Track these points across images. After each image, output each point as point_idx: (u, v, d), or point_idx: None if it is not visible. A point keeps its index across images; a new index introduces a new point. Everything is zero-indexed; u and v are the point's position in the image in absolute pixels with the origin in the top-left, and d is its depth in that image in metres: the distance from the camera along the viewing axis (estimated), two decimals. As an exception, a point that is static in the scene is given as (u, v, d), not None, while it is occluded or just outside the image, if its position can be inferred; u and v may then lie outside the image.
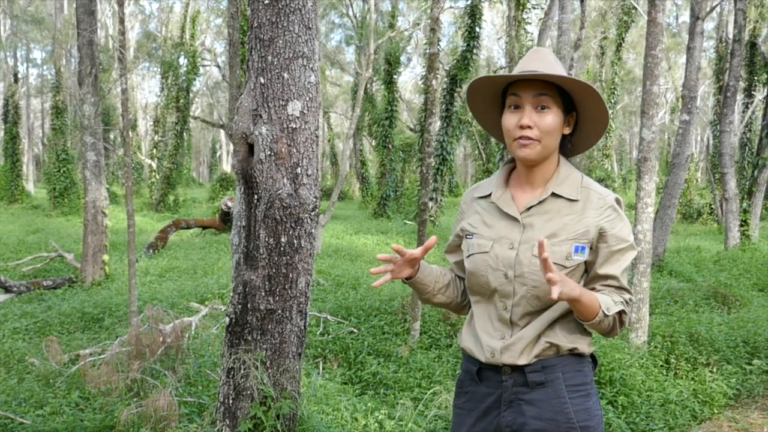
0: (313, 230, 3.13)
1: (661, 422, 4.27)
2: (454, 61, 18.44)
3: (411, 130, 28.45)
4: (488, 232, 1.86)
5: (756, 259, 10.80)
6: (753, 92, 18.68)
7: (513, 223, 1.83)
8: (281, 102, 2.98)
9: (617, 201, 1.81)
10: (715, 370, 5.22)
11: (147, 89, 47.21)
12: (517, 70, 1.80)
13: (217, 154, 53.89)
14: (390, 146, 22.46)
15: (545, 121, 1.76)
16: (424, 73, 19.67)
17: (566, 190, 1.80)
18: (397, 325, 6.23)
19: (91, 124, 8.50)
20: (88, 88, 8.46)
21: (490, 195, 1.92)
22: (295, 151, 3.02)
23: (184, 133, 24.79)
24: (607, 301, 1.75)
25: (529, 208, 1.82)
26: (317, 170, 3.13)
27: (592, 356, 1.90)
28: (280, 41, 2.94)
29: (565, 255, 1.76)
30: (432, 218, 18.68)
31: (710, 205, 21.46)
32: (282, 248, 3.04)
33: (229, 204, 14.62)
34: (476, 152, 31.32)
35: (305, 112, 3.02)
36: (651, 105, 5.59)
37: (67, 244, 12.50)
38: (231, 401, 3.13)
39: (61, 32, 23.10)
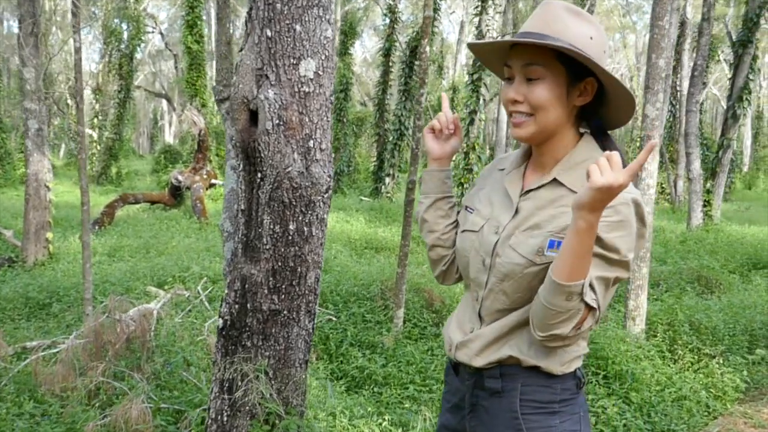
0: (325, 216, 2.64)
1: (681, 421, 3.98)
2: (414, 34, 17.94)
3: (362, 104, 27.84)
4: (486, 210, 1.65)
5: (720, 239, 10.78)
6: (707, 74, 18.78)
7: (509, 205, 1.61)
8: (292, 60, 2.45)
9: (634, 202, 1.43)
10: (721, 361, 4.97)
11: (86, 56, 44.95)
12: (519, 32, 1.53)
13: (159, 125, 52.09)
14: (345, 120, 21.81)
15: (534, 94, 1.50)
16: (381, 46, 19.10)
17: (570, 180, 1.52)
18: (379, 312, 5.79)
19: (33, 89, 7.68)
20: (31, 50, 7.61)
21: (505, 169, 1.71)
22: (307, 120, 2.50)
23: (128, 103, 23.47)
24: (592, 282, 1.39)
25: (528, 192, 1.59)
26: (330, 144, 2.63)
27: (578, 374, 1.58)
28: (291, -14, 2.41)
29: (536, 249, 1.48)
30: (389, 195, 18.26)
31: (662, 184, 21.66)
32: (290, 237, 2.54)
33: (180, 178, 13.82)
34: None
35: (320, 73, 2.51)
36: (656, 80, 5.24)
37: (4, 219, 11.53)
38: (226, 419, 2.63)
39: (-8, -10, 21.51)
